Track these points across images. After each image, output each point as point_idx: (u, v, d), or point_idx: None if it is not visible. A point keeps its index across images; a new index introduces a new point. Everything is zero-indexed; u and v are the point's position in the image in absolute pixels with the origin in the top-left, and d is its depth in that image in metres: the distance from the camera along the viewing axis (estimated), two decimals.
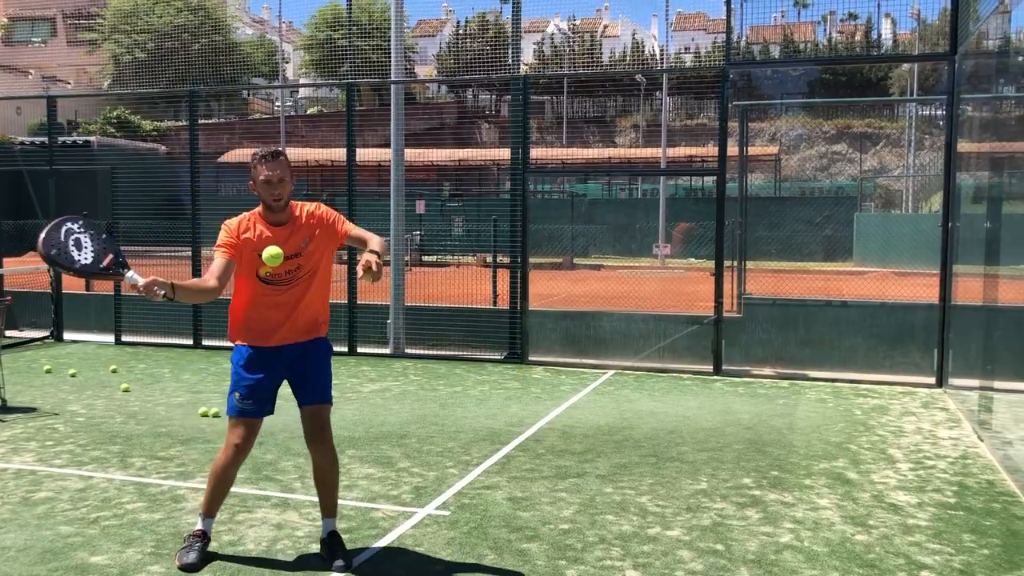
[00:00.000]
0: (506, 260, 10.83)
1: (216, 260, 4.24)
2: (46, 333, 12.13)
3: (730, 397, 8.65)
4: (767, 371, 9.89)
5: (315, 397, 4.44)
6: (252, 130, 37.72)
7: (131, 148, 31.47)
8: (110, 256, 3.96)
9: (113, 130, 37.48)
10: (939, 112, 31.04)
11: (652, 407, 8.11)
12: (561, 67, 45.96)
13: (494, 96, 46.33)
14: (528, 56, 45.88)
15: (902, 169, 38.47)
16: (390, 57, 11.81)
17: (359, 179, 11.03)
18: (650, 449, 6.61)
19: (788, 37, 43.93)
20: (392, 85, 11.57)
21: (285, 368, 4.43)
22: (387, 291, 11.08)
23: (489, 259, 12.87)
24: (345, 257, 10.67)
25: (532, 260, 10.73)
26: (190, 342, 11.53)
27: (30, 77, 42.76)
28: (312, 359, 4.46)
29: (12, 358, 10.34)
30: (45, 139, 13.09)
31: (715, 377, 9.69)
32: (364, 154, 12.00)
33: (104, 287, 12.19)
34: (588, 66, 45.34)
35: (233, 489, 4.78)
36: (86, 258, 3.94)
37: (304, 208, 4.42)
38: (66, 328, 12.19)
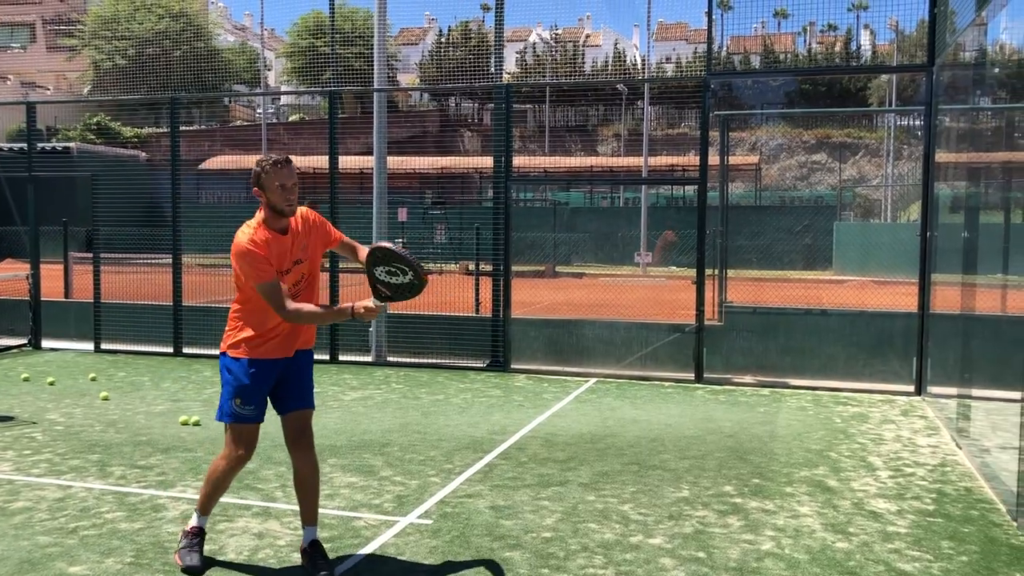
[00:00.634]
0: (488, 268, 10.84)
1: (279, 286, 4.23)
2: (24, 341, 12.02)
3: (711, 405, 8.68)
4: (748, 379, 9.94)
5: (300, 403, 4.45)
6: (233, 137, 37.58)
7: (111, 155, 31.28)
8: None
9: (93, 136, 37.24)
10: (917, 123, 31.36)
11: (634, 415, 8.13)
12: (543, 76, 46.08)
13: (476, 104, 46.36)
14: (511, 65, 45.96)
15: (881, 179, 38.83)
16: (373, 65, 11.84)
17: (341, 186, 11.02)
18: (632, 457, 6.63)
19: (768, 48, 44.22)
20: (375, 93, 11.58)
21: (277, 375, 4.43)
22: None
23: (471, 267, 12.87)
24: (327, 265, 10.64)
25: (514, 268, 10.74)
26: (170, 350, 11.46)
27: (9, 83, 42.45)
28: (296, 366, 4.47)
29: None
30: (24, 145, 12.99)
31: (696, 385, 9.72)
32: (346, 161, 11.97)
33: (86, 294, 12.11)
34: (570, 75, 45.44)
35: None
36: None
37: (296, 213, 4.45)
38: (44, 336, 12.07)
